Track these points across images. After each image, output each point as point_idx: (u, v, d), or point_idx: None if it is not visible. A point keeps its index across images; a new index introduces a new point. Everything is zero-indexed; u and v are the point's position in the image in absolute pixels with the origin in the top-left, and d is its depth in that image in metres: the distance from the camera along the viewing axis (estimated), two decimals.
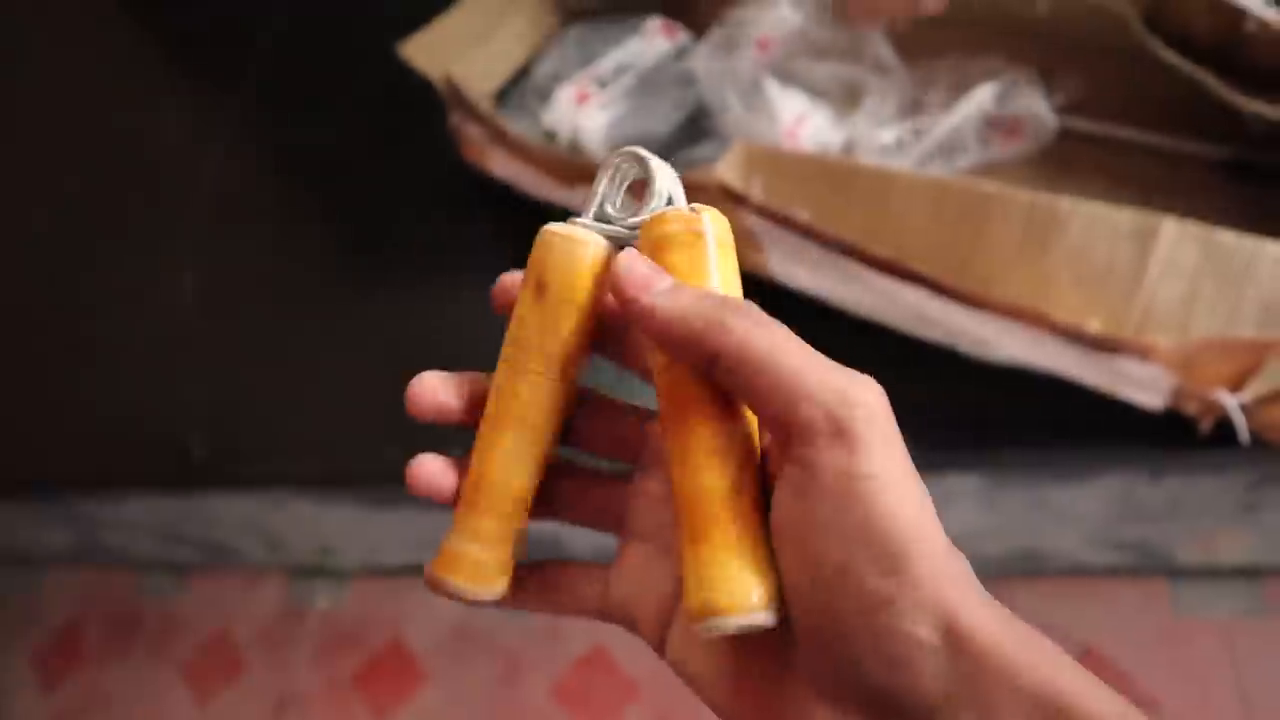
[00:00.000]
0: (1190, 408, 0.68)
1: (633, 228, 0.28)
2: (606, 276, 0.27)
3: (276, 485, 1.07)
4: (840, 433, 0.23)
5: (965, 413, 0.78)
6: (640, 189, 0.28)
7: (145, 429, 1.05)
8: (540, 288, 0.29)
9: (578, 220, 0.29)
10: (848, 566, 0.21)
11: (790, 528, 0.23)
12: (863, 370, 0.27)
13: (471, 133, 0.97)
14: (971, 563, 0.25)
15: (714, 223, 0.27)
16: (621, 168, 0.29)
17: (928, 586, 0.22)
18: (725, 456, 0.23)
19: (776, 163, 0.73)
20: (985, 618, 0.22)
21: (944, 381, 0.76)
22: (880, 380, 0.28)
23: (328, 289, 1.08)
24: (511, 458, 0.29)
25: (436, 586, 0.30)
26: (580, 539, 1.17)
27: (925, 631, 0.21)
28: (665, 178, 0.28)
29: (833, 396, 0.24)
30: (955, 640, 0.21)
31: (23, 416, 1.11)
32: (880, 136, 0.84)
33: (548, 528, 1.12)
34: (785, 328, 0.26)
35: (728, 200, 0.73)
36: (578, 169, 0.84)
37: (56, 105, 1.37)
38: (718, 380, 0.25)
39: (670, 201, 0.28)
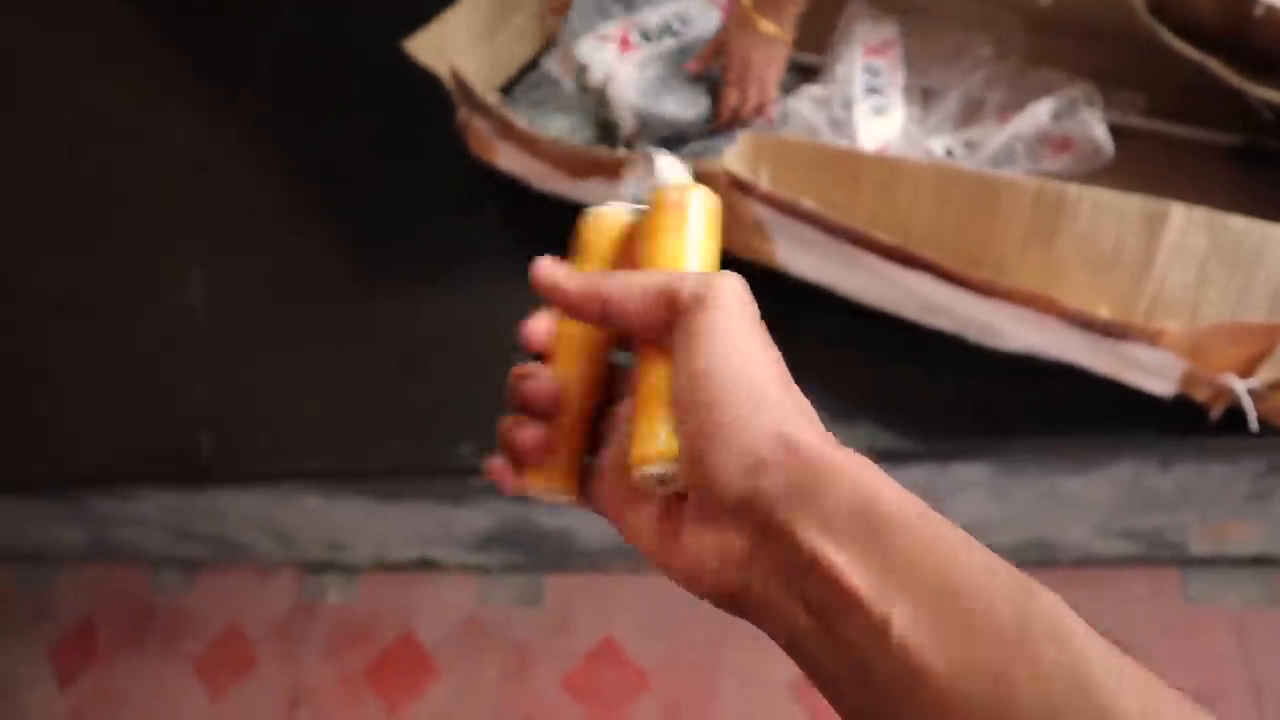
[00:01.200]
0: (1200, 394, 0.68)
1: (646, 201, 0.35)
2: (624, 235, 0.35)
3: (285, 481, 1.07)
4: (702, 303, 0.29)
5: (974, 402, 0.78)
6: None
7: (155, 427, 1.05)
8: (583, 251, 0.36)
9: (612, 203, 0.36)
10: (713, 403, 0.28)
11: (681, 391, 0.29)
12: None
13: (479, 127, 0.98)
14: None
15: (702, 198, 0.34)
16: (643, 163, 0.37)
17: (774, 414, 0.28)
18: (656, 371, 0.31)
19: (784, 152, 0.73)
20: (817, 436, 0.28)
21: (952, 371, 0.76)
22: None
23: (335, 286, 1.08)
24: (580, 378, 0.35)
25: (524, 491, 0.35)
26: (590, 531, 1.17)
27: (769, 448, 0.27)
28: (671, 169, 0.35)
29: (695, 281, 0.30)
30: (792, 453, 0.27)
31: (34, 416, 1.11)
32: (932, 146, 0.83)
33: (563, 524, 1.11)
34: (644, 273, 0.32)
35: (735, 190, 0.73)
36: (586, 162, 0.84)
37: (63, 107, 1.38)
38: (618, 325, 0.31)
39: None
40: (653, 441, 0.29)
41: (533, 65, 1.07)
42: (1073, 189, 0.68)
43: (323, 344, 1.04)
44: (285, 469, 1.00)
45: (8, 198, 1.32)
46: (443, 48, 0.96)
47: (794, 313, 0.70)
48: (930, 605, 0.24)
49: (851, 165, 0.71)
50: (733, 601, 0.28)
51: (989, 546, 0.25)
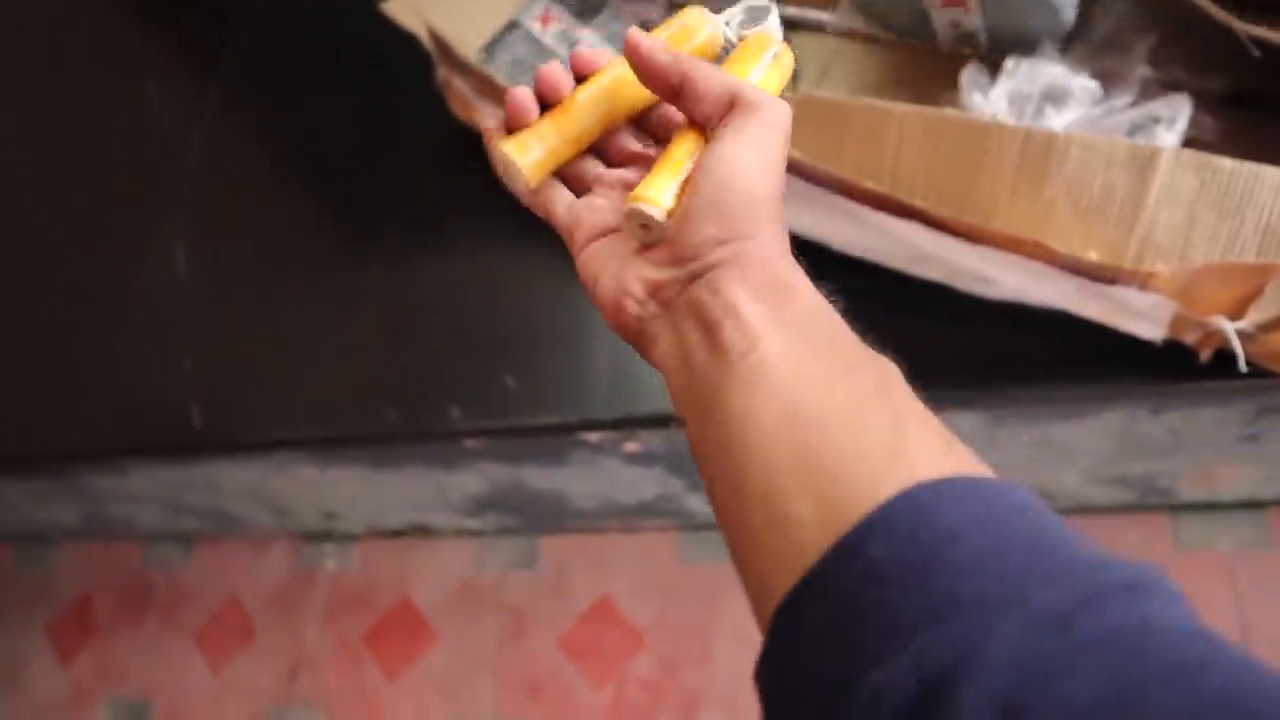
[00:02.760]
0: (1190, 336, 0.67)
1: (740, 37, 0.40)
2: (709, 45, 0.40)
3: (278, 451, 1.07)
4: (757, 111, 0.34)
5: (964, 351, 0.77)
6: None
7: (145, 400, 1.04)
8: (667, 28, 0.40)
9: (709, 13, 0.40)
10: (721, 185, 0.33)
11: (705, 166, 0.34)
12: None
13: (459, 87, 0.96)
14: None
15: (782, 51, 0.39)
16: (754, 10, 0.41)
17: (758, 212, 0.34)
18: (688, 147, 0.36)
19: None
20: (777, 247, 0.34)
21: (942, 320, 0.76)
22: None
23: (321, 254, 1.07)
24: (596, 104, 0.38)
25: (496, 152, 0.39)
26: (583, 492, 1.17)
27: (739, 231, 0.33)
28: (776, 25, 0.40)
29: (760, 95, 0.35)
30: (754, 243, 0.33)
31: (22, 393, 1.11)
32: None
33: (555, 485, 1.11)
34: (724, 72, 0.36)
35: None
36: None
37: (43, 84, 1.35)
38: (686, 102, 0.36)
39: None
40: (659, 191, 0.35)
41: (513, 24, 1.05)
42: (1060, 132, 0.67)
43: (311, 313, 1.03)
44: (277, 439, 0.99)
45: None
46: (421, 7, 0.95)
47: None
48: (800, 340, 0.32)
49: (838, 114, 0.70)
50: (640, 332, 0.36)
51: None
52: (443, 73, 0.97)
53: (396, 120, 1.11)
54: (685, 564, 1.29)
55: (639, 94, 0.38)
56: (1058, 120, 0.75)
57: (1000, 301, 0.73)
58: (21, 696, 1.58)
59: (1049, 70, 0.76)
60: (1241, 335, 0.64)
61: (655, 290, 0.35)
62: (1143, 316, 0.68)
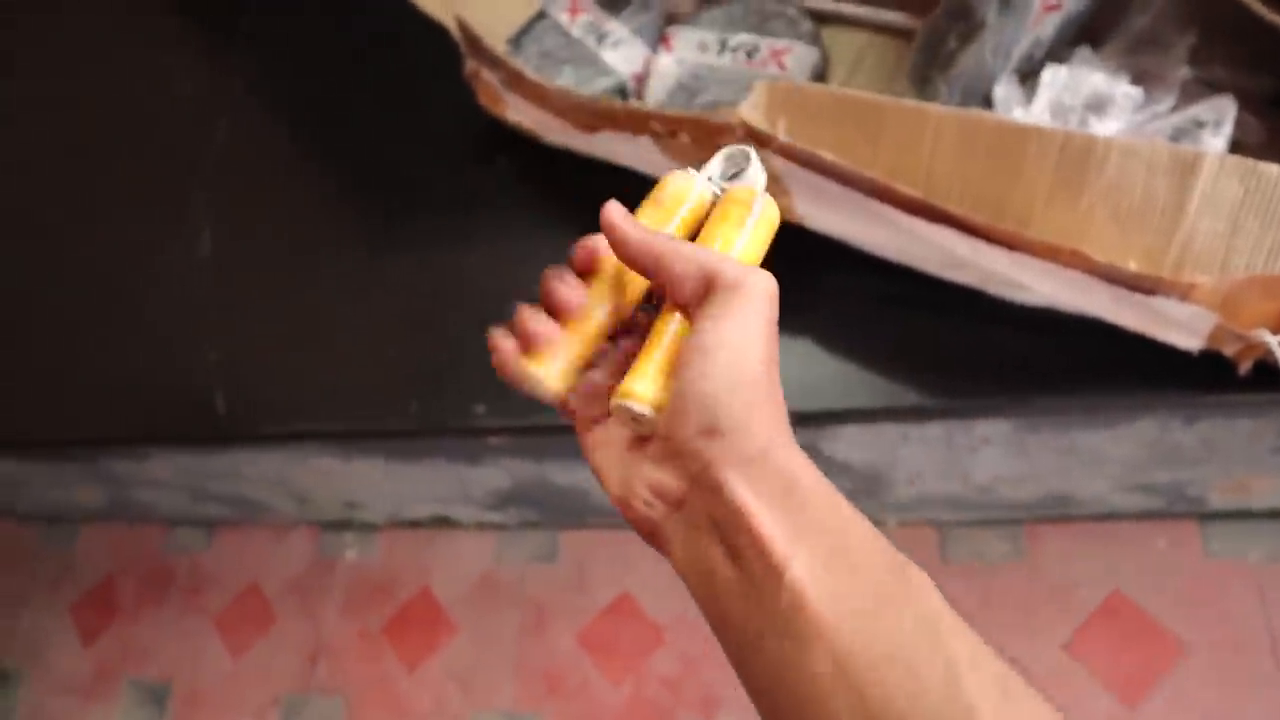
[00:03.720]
0: (1229, 348, 0.66)
1: (723, 190, 0.40)
2: (697, 209, 0.39)
3: (301, 441, 1.07)
4: (737, 290, 0.33)
5: (995, 357, 0.76)
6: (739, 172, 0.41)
7: (169, 386, 1.05)
8: (654, 203, 0.39)
9: (693, 171, 0.40)
10: (706, 374, 0.32)
11: (687, 353, 0.33)
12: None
13: (487, 79, 0.95)
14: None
15: (770, 207, 0.39)
16: (735, 156, 0.41)
17: (748, 398, 0.32)
18: (672, 328, 0.35)
19: (802, 102, 0.71)
20: (774, 430, 0.32)
21: (974, 326, 0.75)
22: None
23: (345, 243, 1.07)
24: (604, 299, 0.38)
25: (516, 370, 0.38)
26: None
27: (729, 423, 0.32)
28: (758, 172, 0.40)
29: (738, 270, 0.33)
30: (745, 434, 0.32)
31: (49, 378, 1.11)
32: None
33: (577, 482, 1.11)
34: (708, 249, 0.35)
35: (751, 141, 0.71)
36: (599, 115, 0.82)
37: (65, 66, 1.36)
38: (662, 285, 0.35)
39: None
40: (646, 383, 0.34)
41: (541, 15, 1.05)
42: (1100, 137, 0.66)
43: (336, 302, 1.03)
44: (300, 429, 0.99)
45: (13, 160, 1.31)
46: (445, 2, 0.94)
47: (813, 268, 0.69)
48: (824, 556, 0.29)
49: (873, 114, 0.69)
50: (652, 531, 0.34)
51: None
52: (471, 64, 0.97)
53: (424, 110, 1.11)
54: None
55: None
56: (1101, 129, 0.74)
57: (1034, 308, 0.72)
58: (44, 675, 1.60)
59: (1090, 79, 0.74)
60: None
61: (660, 492, 0.33)
62: (1180, 326, 0.66)
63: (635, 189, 0.89)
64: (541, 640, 1.35)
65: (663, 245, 0.35)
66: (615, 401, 0.34)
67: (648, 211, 0.39)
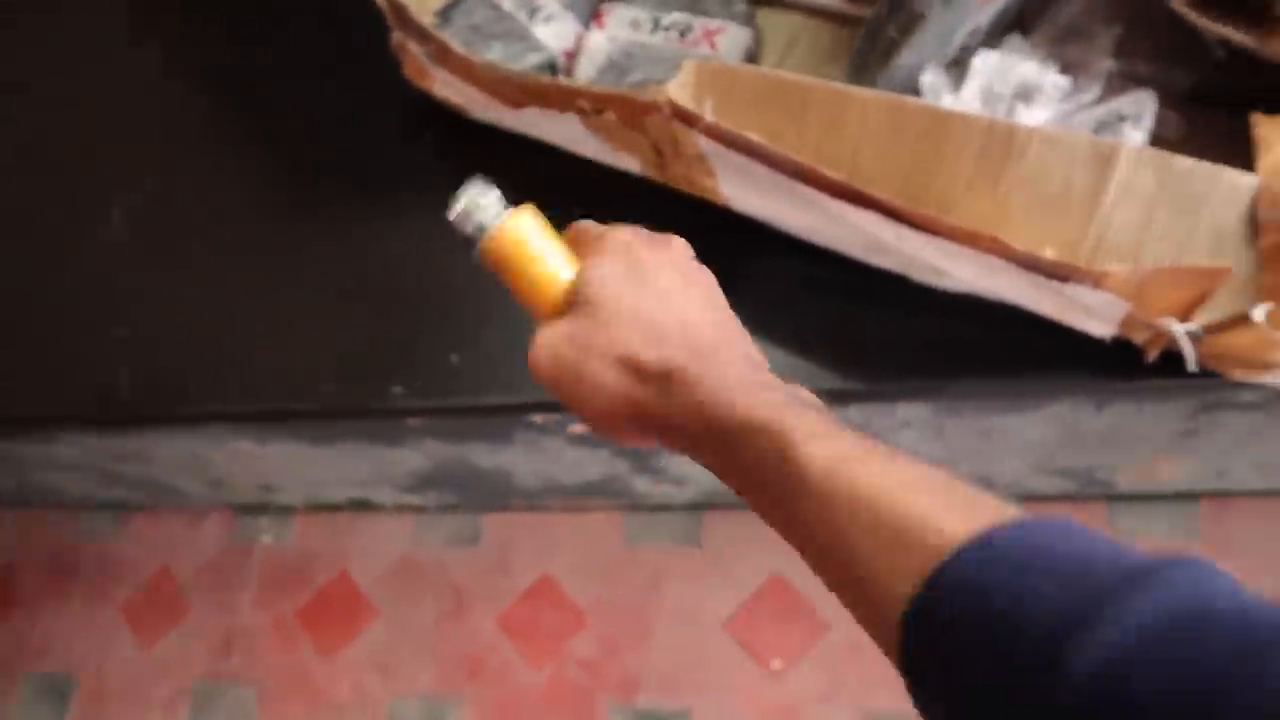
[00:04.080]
0: (1139, 336, 0.68)
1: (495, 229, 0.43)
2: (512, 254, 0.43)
3: (214, 422, 1.04)
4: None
5: (916, 342, 0.77)
6: None
7: (73, 367, 1.00)
8: (503, 269, 0.42)
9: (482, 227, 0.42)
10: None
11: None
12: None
13: (413, 51, 0.93)
14: None
15: (523, 224, 0.42)
16: (468, 209, 0.42)
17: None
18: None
19: (730, 82, 0.70)
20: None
21: (896, 310, 0.76)
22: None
23: (263, 219, 1.03)
24: None
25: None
26: (527, 470, 1.15)
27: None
28: (491, 207, 0.42)
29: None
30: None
31: None
32: None
33: (499, 464, 1.09)
34: None
35: (678, 121, 0.70)
36: (526, 91, 0.81)
37: None
38: None
39: (484, 229, 0.42)
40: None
41: None
42: (1021, 125, 0.67)
43: (250, 280, 1.00)
44: (212, 410, 0.96)
45: None
46: None
47: (737, 249, 0.69)
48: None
49: (799, 97, 0.69)
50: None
51: None
52: (397, 36, 0.94)
53: (347, 83, 1.07)
54: (629, 545, 1.28)
55: None
56: (1029, 117, 0.74)
57: (954, 293, 0.73)
58: None
59: (1020, 68, 0.75)
60: (1189, 337, 0.64)
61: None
62: (1094, 314, 0.68)
63: (562, 167, 0.88)
64: (462, 624, 1.33)
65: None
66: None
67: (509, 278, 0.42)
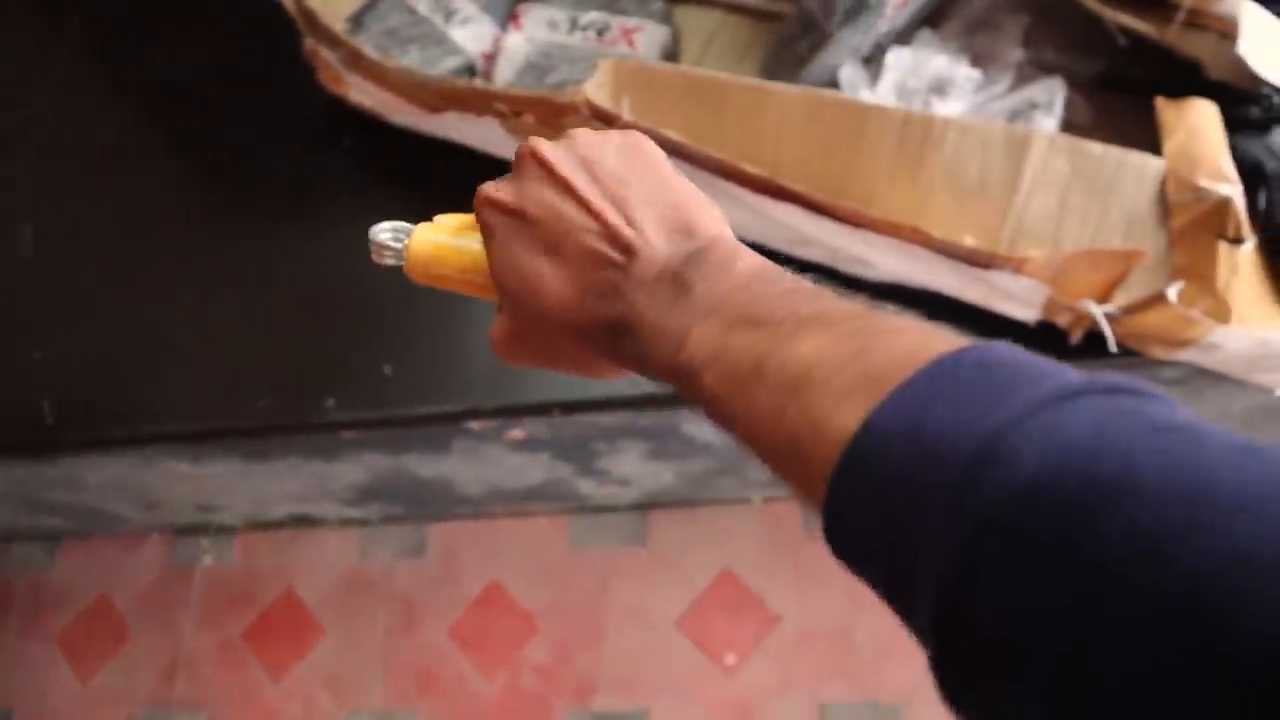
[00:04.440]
0: (1061, 319, 0.69)
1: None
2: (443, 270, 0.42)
3: (145, 445, 1.01)
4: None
5: None
6: None
7: None
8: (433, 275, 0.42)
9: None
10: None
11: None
12: None
13: (327, 58, 0.91)
14: None
15: (413, 252, 0.41)
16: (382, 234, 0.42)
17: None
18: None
19: (647, 80, 0.70)
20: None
21: None
22: None
23: (182, 233, 1.01)
24: None
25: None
26: (469, 478, 1.14)
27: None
28: (388, 243, 0.42)
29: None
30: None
31: None
32: None
33: (440, 473, 1.07)
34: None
35: (596, 120, 0.70)
36: (443, 95, 0.80)
37: None
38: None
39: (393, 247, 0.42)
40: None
41: None
42: (938, 115, 0.67)
43: (174, 296, 0.97)
44: (141, 433, 0.93)
45: None
46: None
47: None
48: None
49: (717, 93, 0.69)
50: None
51: None
52: (309, 43, 0.92)
53: (262, 86, 1.05)
54: (577, 548, 1.27)
55: None
56: (943, 110, 0.75)
57: (881, 283, 0.73)
58: None
59: (933, 62, 0.75)
60: (1109, 318, 0.65)
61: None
62: (1017, 300, 0.69)
63: (482, 170, 0.86)
64: (412, 637, 1.31)
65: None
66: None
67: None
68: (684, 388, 0.34)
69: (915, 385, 0.26)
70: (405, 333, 0.90)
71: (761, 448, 0.31)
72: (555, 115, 0.72)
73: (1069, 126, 0.78)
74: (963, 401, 0.25)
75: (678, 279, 0.34)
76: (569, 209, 0.36)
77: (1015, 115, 0.80)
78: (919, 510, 0.24)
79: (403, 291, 0.93)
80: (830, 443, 0.27)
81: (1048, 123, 0.78)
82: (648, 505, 1.24)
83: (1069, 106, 0.79)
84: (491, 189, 0.38)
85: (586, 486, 1.15)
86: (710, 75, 0.70)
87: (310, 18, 0.86)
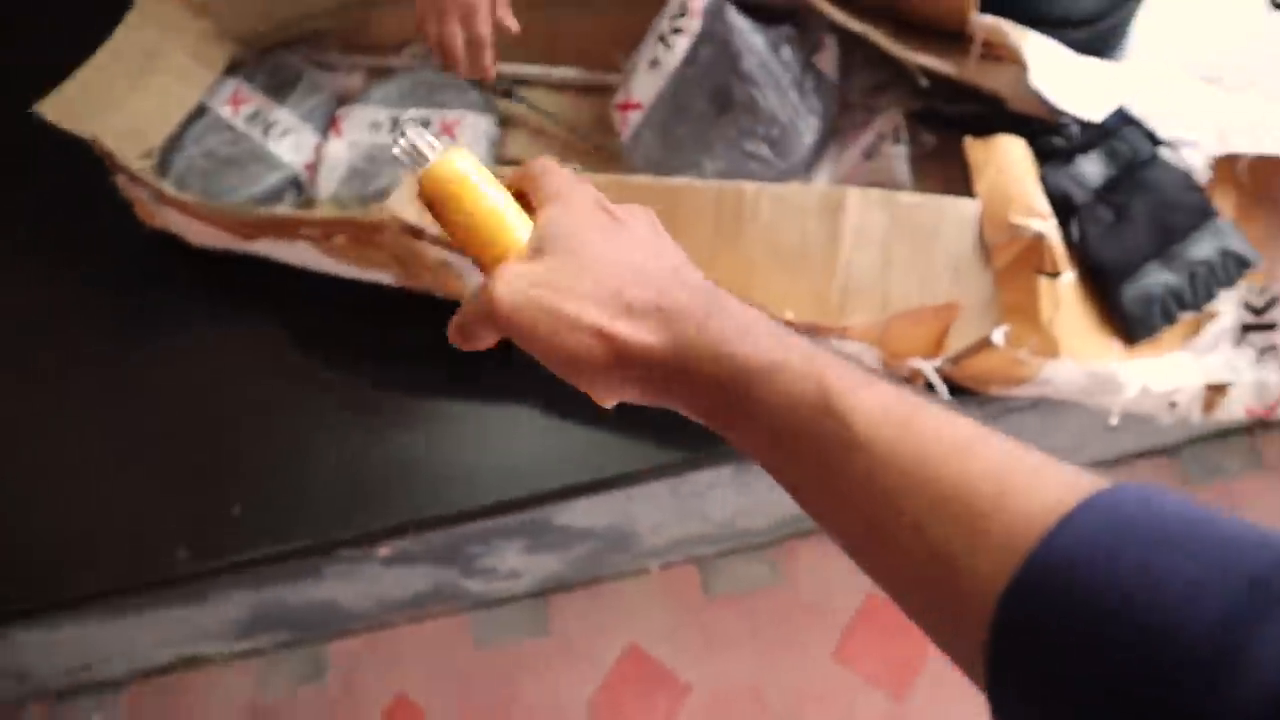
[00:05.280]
0: (901, 372, 0.69)
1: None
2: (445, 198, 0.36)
3: None
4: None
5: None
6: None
7: None
8: (435, 210, 0.37)
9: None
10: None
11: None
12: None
13: (138, 193, 0.87)
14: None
15: (460, 164, 0.36)
16: (409, 149, 0.37)
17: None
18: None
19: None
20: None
21: None
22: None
23: (10, 381, 0.94)
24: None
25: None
26: (353, 594, 1.09)
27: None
28: (428, 145, 0.36)
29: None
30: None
31: None
32: None
33: (320, 597, 1.01)
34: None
35: (408, 236, 0.68)
36: (250, 225, 0.76)
37: None
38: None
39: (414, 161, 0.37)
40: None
41: (201, 110, 0.96)
42: (750, 186, 0.67)
43: (3, 454, 0.91)
44: None
45: None
46: (82, 109, 0.85)
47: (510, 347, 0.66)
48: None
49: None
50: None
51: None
52: (121, 179, 0.88)
53: (85, 218, 0.99)
54: (480, 647, 1.23)
55: None
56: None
57: None
58: None
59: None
60: (943, 367, 0.66)
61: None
62: (855, 359, 0.68)
63: (317, 287, 0.83)
64: None
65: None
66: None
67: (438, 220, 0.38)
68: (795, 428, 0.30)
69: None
70: (252, 471, 0.85)
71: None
72: (368, 234, 0.70)
73: (916, 155, 0.78)
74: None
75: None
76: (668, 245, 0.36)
77: (872, 150, 0.80)
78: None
79: (244, 425, 0.88)
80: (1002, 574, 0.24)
81: (899, 149, 0.78)
82: (546, 590, 1.21)
83: (913, 135, 0.79)
84: (563, 212, 0.35)
85: (476, 585, 1.11)
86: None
87: (110, 159, 0.82)
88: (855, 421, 0.28)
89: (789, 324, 0.63)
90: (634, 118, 0.76)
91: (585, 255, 0.33)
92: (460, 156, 0.36)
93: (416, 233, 0.67)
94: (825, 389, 0.28)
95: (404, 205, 0.67)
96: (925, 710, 1.14)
